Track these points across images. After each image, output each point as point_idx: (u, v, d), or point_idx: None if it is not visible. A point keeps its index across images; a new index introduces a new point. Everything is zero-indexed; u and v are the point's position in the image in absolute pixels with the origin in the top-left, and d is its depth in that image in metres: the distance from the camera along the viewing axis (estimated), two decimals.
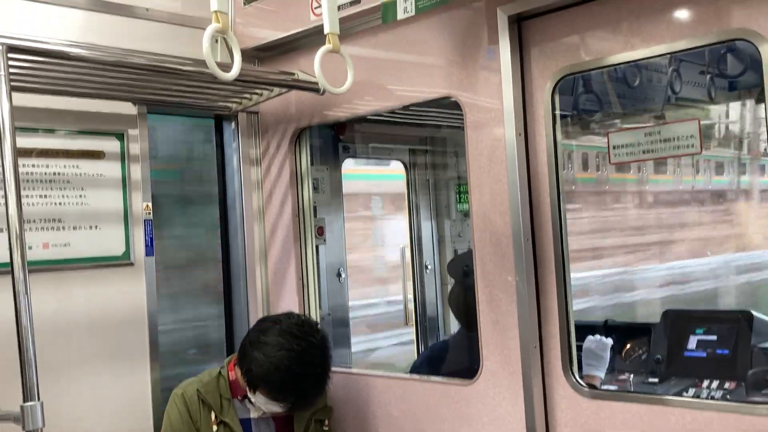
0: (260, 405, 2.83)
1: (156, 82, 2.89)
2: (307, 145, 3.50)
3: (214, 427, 2.84)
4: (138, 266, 3.10)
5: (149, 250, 3.13)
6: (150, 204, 3.14)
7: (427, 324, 4.44)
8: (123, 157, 3.08)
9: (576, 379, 2.54)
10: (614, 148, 2.45)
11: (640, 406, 2.39)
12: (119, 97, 3.01)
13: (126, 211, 3.08)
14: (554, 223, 2.57)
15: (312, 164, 3.57)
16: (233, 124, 3.51)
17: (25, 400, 2.02)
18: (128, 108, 3.10)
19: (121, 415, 3.03)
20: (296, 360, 2.69)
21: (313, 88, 2.89)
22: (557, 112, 2.59)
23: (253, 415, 2.92)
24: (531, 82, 2.62)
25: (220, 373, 2.94)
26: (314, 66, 2.52)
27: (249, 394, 2.83)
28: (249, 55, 3.40)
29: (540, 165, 2.59)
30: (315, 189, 3.60)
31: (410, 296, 4.30)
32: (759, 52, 2.13)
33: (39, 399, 2.03)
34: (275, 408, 2.82)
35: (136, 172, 3.11)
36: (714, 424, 2.21)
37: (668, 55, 2.39)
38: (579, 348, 3.56)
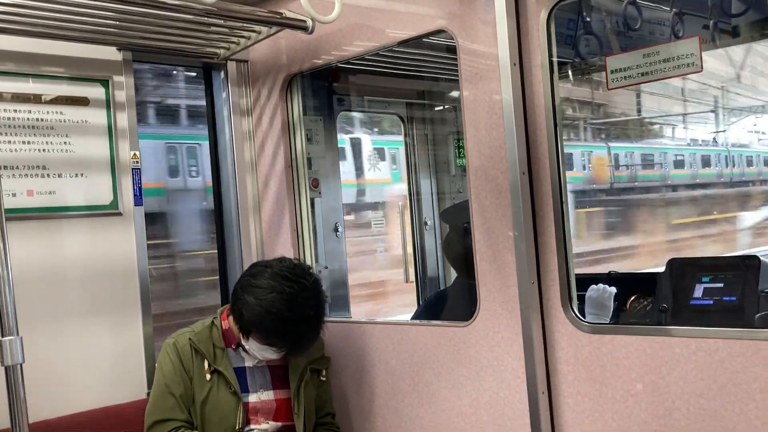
0: (254, 351, 2.76)
1: (141, 24, 2.80)
2: (299, 94, 3.42)
3: (208, 376, 2.78)
4: (127, 216, 3.03)
5: (138, 200, 3.05)
6: (138, 153, 3.07)
7: (428, 282, 4.37)
8: (108, 104, 3.00)
9: (575, 314, 2.46)
10: (612, 72, 2.36)
11: (643, 339, 2.31)
12: (103, 41, 2.93)
13: (113, 160, 3.01)
14: (551, 158, 2.48)
15: (305, 115, 3.49)
16: (222, 73, 3.43)
17: (3, 335, 1.95)
18: (113, 53, 3.02)
19: (113, 366, 2.97)
20: (288, 302, 2.62)
21: (301, 26, 2.80)
22: (553, 41, 2.50)
23: (248, 363, 2.87)
24: (526, 13, 2.52)
25: (212, 322, 2.89)
26: None
27: (242, 341, 2.77)
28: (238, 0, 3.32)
29: (536, 97, 2.50)
30: (309, 140, 3.51)
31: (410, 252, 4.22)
32: None
33: (18, 334, 1.95)
34: (269, 354, 2.75)
35: (122, 119, 3.04)
36: (720, 351, 2.13)
37: None
38: (581, 296, 3.50)
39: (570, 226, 2.51)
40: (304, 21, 2.78)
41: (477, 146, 2.62)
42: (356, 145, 11.51)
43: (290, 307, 2.63)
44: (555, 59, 2.48)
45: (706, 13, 3.76)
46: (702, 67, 2.17)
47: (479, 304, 2.65)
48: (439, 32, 2.77)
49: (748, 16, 3.61)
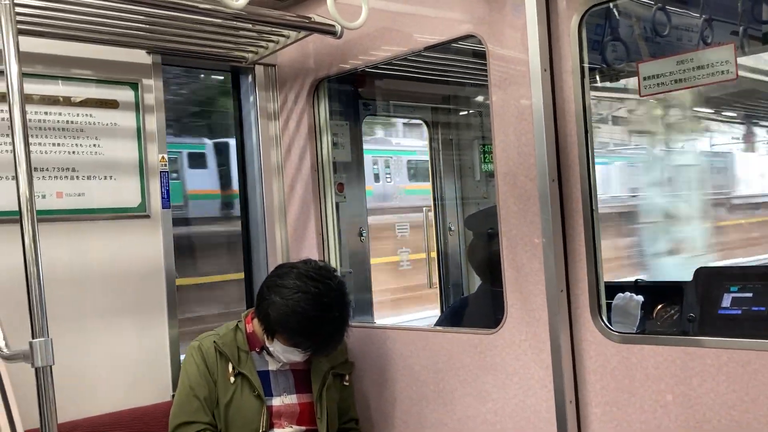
0: (278, 354, 2.76)
1: (171, 27, 2.82)
2: (326, 98, 3.42)
3: (232, 379, 2.79)
4: (155, 219, 3.04)
5: (165, 202, 3.07)
6: (166, 156, 3.08)
7: (451, 287, 4.35)
8: (138, 107, 3.02)
9: (605, 323, 2.43)
10: (645, 79, 2.33)
11: (673, 349, 2.27)
12: (133, 44, 2.94)
13: (141, 163, 3.02)
14: (581, 165, 2.46)
15: (331, 119, 3.49)
16: (250, 77, 3.44)
17: (33, 337, 1.96)
18: (143, 57, 3.04)
19: (138, 368, 2.98)
20: (313, 302, 2.63)
21: (330, 30, 2.80)
22: (585, 47, 2.47)
23: (272, 367, 2.87)
24: (557, 18, 2.50)
25: (237, 326, 2.90)
26: (327, 1, 2.44)
27: (267, 343, 2.77)
28: (265, 3, 3.32)
29: (567, 103, 2.48)
30: (334, 144, 3.52)
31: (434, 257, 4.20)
32: None
33: (48, 336, 1.96)
34: (294, 356, 2.75)
35: (151, 122, 3.05)
36: (753, 363, 2.10)
37: None
38: (608, 303, 3.47)
39: (600, 234, 2.48)
40: (333, 26, 2.78)
41: (505, 152, 2.60)
42: None
43: (316, 306, 2.64)
44: (586, 65, 2.46)
45: (735, 19, 3.72)
46: (737, 75, 2.14)
47: (506, 311, 2.63)
48: (467, 37, 2.76)
49: None
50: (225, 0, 2.17)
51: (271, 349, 2.78)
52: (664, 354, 2.29)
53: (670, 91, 2.29)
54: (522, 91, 2.54)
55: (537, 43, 2.46)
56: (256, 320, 2.81)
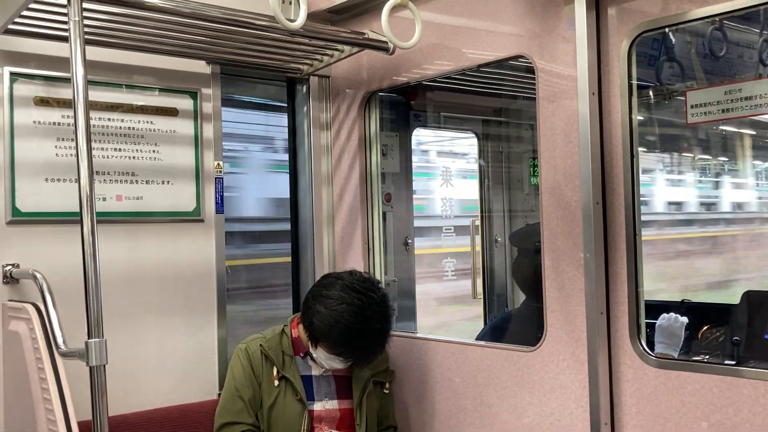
0: (321, 360, 2.84)
1: (230, 40, 2.92)
2: (377, 110, 3.48)
3: (276, 382, 2.87)
4: (208, 223, 3.16)
5: (219, 208, 3.18)
6: (221, 163, 3.19)
7: (495, 298, 4.38)
8: (196, 115, 3.14)
9: (643, 347, 2.44)
10: (692, 107, 2.34)
11: (711, 377, 2.28)
12: (194, 55, 3.06)
13: (197, 169, 3.14)
14: (626, 188, 2.48)
15: (381, 130, 3.55)
16: (305, 87, 3.53)
17: (89, 337, 2.07)
18: (202, 67, 3.15)
19: (187, 366, 3.10)
20: (356, 314, 2.70)
21: (382, 46, 2.87)
22: (634, 72, 2.49)
23: (315, 372, 2.95)
24: (607, 41, 2.52)
25: (283, 330, 2.98)
26: (381, 20, 2.50)
27: (310, 349, 2.85)
28: (322, 17, 3.41)
29: (614, 127, 2.50)
30: (384, 155, 3.59)
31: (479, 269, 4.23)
32: None
33: (103, 336, 2.07)
34: (336, 363, 2.83)
35: (209, 130, 3.17)
36: None
37: (756, 8, 2.25)
38: (651, 325, 3.45)
39: (642, 258, 2.50)
40: (386, 42, 2.85)
41: (551, 173, 2.64)
42: None
43: (359, 319, 2.71)
44: (635, 90, 2.47)
45: None
46: None
47: (546, 330, 2.66)
48: (517, 57, 2.80)
49: None
50: (283, 21, 2.25)
51: (314, 355, 2.86)
52: (701, 381, 2.29)
53: (718, 120, 2.29)
54: (570, 113, 2.57)
55: (586, 66, 2.48)
56: (301, 326, 2.90)
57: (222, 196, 3.18)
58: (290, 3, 3.14)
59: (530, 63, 2.73)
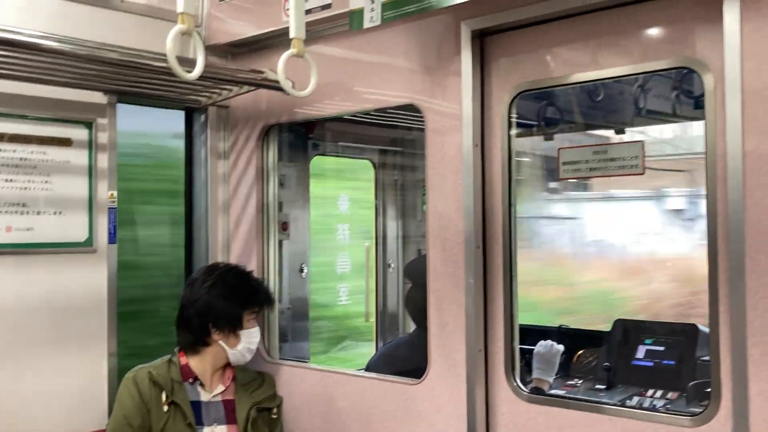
0: (245, 342, 3.07)
1: (128, 75, 2.93)
2: (276, 142, 3.56)
3: (165, 407, 2.93)
4: (100, 253, 3.15)
5: (112, 237, 3.18)
6: (115, 193, 3.20)
7: (387, 320, 4.54)
8: (90, 145, 3.13)
9: (517, 383, 2.64)
10: (564, 164, 2.55)
11: (577, 413, 2.49)
12: (91, 87, 3.05)
13: (91, 199, 3.13)
14: (504, 232, 2.67)
15: (280, 160, 3.63)
16: (203, 117, 3.57)
17: None
18: (98, 97, 3.15)
19: (77, 398, 3.08)
20: (233, 269, 3.18)
21: (280, 87, 2.95)
22: (513, 124, 2.68)
23: (203, 398, 3.04)
24: (491, 94, 2.70)
25: (171, 359, 3.07)
26: (278, 69, 2.59)
27: (239, 337, 3.05)
28: (222, 50, 3.47)
29: (494, 175, 2.68)
30: (281, 185, 3.67)
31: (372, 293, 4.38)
32: (702, 81, 2.23)
33: None
34: (255, 333, 3.11)
35: (103, 160, 3.16)
36: None
37: (621, 78, 2.48)
38: (530, 352, 3.68)
39: (517, 300, 2.69)
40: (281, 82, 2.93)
41: (437, 219, 2.80)
42: None
43: (236, 269, 3.19)
44: (513, 143, 2.67)
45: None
46: (644, 170, 2.37)
47: (430, 364, 2.82)
48: (409, 105, 2.95)
49: None
50: (181, 73, 2.30)
51: (242, 341, 3.05)
52: (567, 416, 2.50)
53: (586, 177, 2.51)
54: (455, 164, 2.73)
55: (471, 121, 2.66)
56: (215, 332, 3.06)
57: (115, 226, 3.19)
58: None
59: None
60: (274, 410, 3.19)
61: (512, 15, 2.58)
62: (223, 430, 3.03)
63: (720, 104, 2.17)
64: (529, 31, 2.62)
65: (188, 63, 2.47)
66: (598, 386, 3.72)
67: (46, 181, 3.01)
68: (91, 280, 3.13)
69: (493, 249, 2.69)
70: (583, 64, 2.50)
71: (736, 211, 2.11)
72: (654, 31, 2.37)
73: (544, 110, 3.78)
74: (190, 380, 3.03)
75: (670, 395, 3.49)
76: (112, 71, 2.86)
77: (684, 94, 3.73)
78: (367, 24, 2.62)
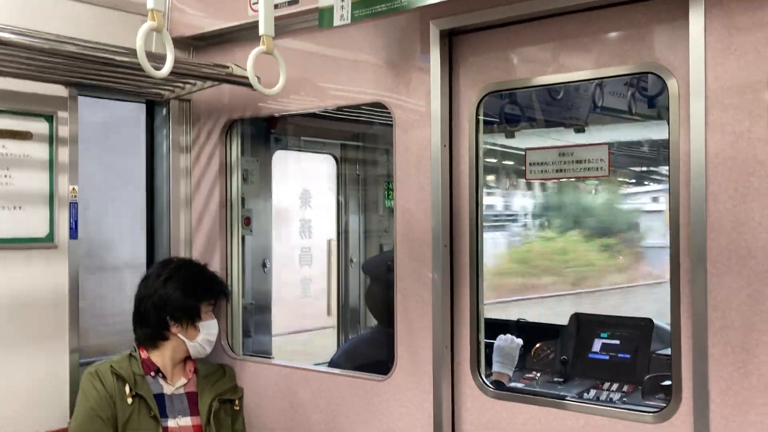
0: (205, 334, 3.12)
1: (90, 67, 2.87)
2: (239, 137, 3.54)
3: (129, 400, 2.95)
4: (62, 249, 3.10)
5: (73, 233, 3.13)
6: (76, 187, 3.14)
7: (349, 315, 4.55)
8: (51, 139, 3.07)
9: (482, 379, 2.68)
10: (530, 165, 2.59)
11: (540, 408, 2.54)
12: (50, 80, 2.98)
13: (51, 193, 3.07)
14: (471, 231, 2.70)
15: (242, 154, 3.61)
16: (165, 110, 3.52)
17: None
18: (59, 90, 3.08)
19: (37, 395, 3.03)
20: (186, 262, 3.27)
21: (246, 83, 2.93)
22: (481, 127, 2.71)
23: (167, 391, 3.07)
24: (459, 94, 2.73)
25: (131, 354, 3.08)
26: (247, 66, 2.57)
27: (197, 329, 3.09)
28: (185, 43, 3.42)
29: (462, 175, 2.71)
30: (244, 180, 3.65)
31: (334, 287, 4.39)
32: (666, 86, 2.29)
33: None
34: (214, 325, 3.16)
35: (64, 154, 3.10)
36: (605, 429, 2.38)
37: (584, 81, 2.53)
38: (491, 346, 3.73)
39: (483, 298, 2.73)
40: (249, 79, 2.91)
41: (405, 216, 2.81)
42: None
43: (193, 266, 3.25)
44: (481, 143, 2.70)
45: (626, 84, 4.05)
46: (609, 173, 2.42)
47: (396, 361, 2.84)
48: (377, 103, 2.96)
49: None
50: (150, 70, 2.27)
51: (201, 334, 3.09)
52: (531, 412, 2.55)
53: (552, 179, 2.55)
54: (423, 163, 2.75)
55: (439, 120, 2.68)
56: (175, 327, 3.08)
57: (77, 221, 3.13)
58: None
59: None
60: (236, 402, 3.23)
61: (480, 16, 2.60)
62: (186, 422, 3.06)
63: (684, 109, 2.24)
64: (498, 33, 2.65)
65: (152, 57, 2.44)
66: (555, 379, 3.79)
67: (5, 175, 2.94)
68: (52, 276, 3.07)
69: (461, 247, 2.72)
70: (550, 67, 2.54)
71: (698, 213, 2.18)
72: (619, 36, 2.42)
73: (506, 107, 3.82)
74: (152, 373, 3.06)
75: (625, 388, 3.58)
76: (74, 64, 2.81)
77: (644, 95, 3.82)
78: (337, 22, 2.61)
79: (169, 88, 3.28)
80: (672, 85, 2.28)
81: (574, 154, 2.49)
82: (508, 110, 3.90)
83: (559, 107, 3.98)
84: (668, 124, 2.29)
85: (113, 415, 2.91)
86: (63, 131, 3.09)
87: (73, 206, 3.13)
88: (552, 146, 2.50)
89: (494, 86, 2.65)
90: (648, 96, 3.90)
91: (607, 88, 4.02)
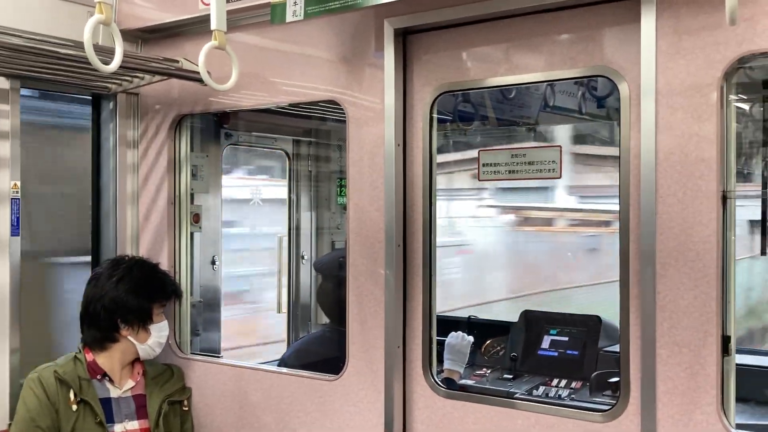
0: (161, 332, 3.07)
1: (33, 59, 2.78)
2: (188, 132, 3.47)
3: (74, 407, 2.86)
4: (2, 246, 2.99)
5: (15, 230, 3.02)
6: (18, 183, 3.04)
7: (299, 312, 4.52)
8: None
9: (434, 379, 2.68)
10: (483, 165, 2.59)
11: (490, 408, 2.55)
12: None
13: None
14: (425, 230, 2.70)
15: (192, 150, 3.54)
16: (111, 104, 3.43)
17: None
18: (0, 82, 2.97)
19: None
20: (139, 264, 3.14)
21: (196, 78, 2.87)
22: (434, 126, 2.71)
23: (113, 395, 3.00)
24: (413, 93, 2.72)
25: (76, 357, 2.99)
26: (199, 61, 2.52)
27: (148, 331, 3.02)
28: (133, 35, 3.34)
29: (415, 175, 2.70)
30: (194, 176, 3.58)
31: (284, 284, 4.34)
32: (618, 89, 2.32)
33: None
34: (165, 326, 3.09)
35: (5, 148, 2.99)
36: (555, 427, 2.40)
37: (535, 83, 2.54)
38: (442, 344, 3.75)
39: (435, 298, 2.73)
40: (200, 74, 2.85)
41: (358, 215, 2.80)
42: None
43: (145, 266, 3.15)
44: (434, 144, 2.69)
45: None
46: (560, 175, 2.44)
47: (348, 361, 2.83)
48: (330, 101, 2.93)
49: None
50: (99, 65, 2.20)
51: (152, 336, 3.02)
52: (482, 412, 2.56)
53: (505, 179, 2.56)
54: (377, 162, 2.73)
55: (393, 119, 2.67)
56: (125, 329, 3.00)
57: (18, 218, 3.03)
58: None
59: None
60: (185, 402, 3.18)
61: (434, 16, 2.60)
62: (134, 426, 3.00)
63: (635, 112, 2.26)
64: (451, 33, 2.64)
65: (100, 50, 2.36)
66: (505, 376, 3.83)
67: None
68: None
69: (414, 247, 2.71)
70: (503, 68, 2.55)
71: (647, 215, 2.21)
72: (571, 39, 2.43)
73: (460, 106, 3.83)
74: (98, 377, 2.98)
75: (574, 385, 3.63)
76: (18, 56, 2.71)
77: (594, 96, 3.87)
78: (290, 18, 2.57)
79: (117, 81, 3.20)
80: (623, 88, 2.31)
81: (527, 156, 2.51)
82: (462, 108, 3.92)
83: (510, 106, 4.00)
84: (619, 126, 2.31)
85: (55, 425, 2.84)
86: (4, 125, 2.99)
87: (15, 202, 3.03)
88: (504, 147, 2.50)
89: (448, 86, 2.65)
90: (598, 97, 3.95)
91: (558, 88, 4.06)
